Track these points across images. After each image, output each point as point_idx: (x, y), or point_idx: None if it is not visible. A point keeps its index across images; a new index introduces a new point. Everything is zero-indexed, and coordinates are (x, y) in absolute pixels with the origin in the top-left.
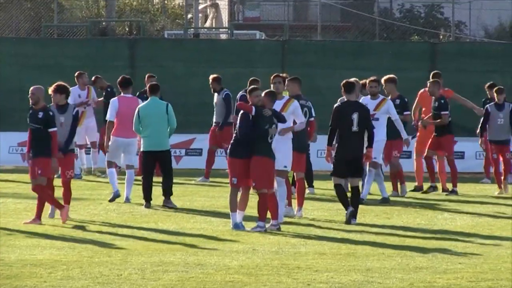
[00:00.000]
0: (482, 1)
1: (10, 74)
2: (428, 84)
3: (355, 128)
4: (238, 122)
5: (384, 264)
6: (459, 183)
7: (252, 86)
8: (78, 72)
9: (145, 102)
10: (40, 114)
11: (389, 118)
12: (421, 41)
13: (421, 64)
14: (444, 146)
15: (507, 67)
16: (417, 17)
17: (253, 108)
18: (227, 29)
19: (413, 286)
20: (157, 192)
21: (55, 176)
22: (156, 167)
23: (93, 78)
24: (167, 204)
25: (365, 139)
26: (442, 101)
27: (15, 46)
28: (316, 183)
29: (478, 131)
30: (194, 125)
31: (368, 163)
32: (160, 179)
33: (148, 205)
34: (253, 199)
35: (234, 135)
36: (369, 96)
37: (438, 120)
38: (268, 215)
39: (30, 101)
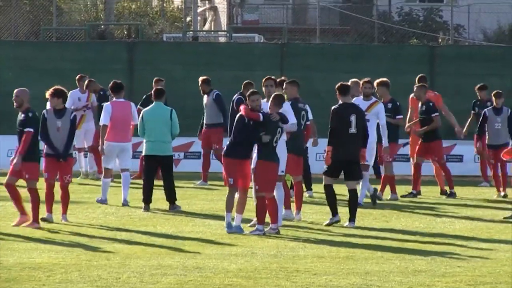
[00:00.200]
0: (481, 5)
1: (9, 77)
2: (415, 88)
3: (353, 130)
4: (234, 125)
5: (383, 267)
6: (458, 186)
7: (252, 90)
8: (79, 75)
9: (150, 106)
10: (22, 116)
11: None
12: (420, 45)
13: (420, 68)
14: (433, 152)
15: (505, 71)
16: (416, 20)
17: (261, 115)
18: (226, 32)
19: None
20: (156, 195)
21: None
22: (157, 171)
23: (86, 82)
24: (173, 208)
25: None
26: (431, 103)
27: (13, 49)
28: (314, 187)
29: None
30: (193, 129)
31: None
32: (160, 182)
33: (147, 207)
34: (251, 202)
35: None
36: (361, 96)
37: (432, 124)
38: (268, 219)
39: (14, 103)
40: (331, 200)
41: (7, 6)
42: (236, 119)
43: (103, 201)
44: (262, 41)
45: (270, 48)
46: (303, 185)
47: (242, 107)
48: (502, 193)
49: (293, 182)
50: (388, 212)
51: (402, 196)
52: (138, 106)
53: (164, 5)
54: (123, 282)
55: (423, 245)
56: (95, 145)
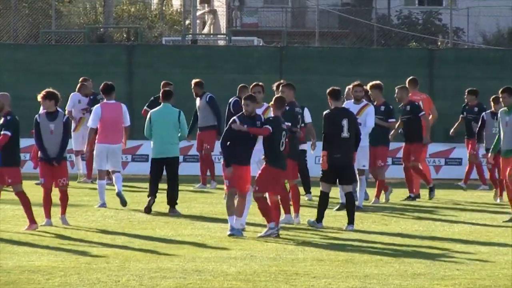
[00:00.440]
0: (480, 8)
1: (8, 80)
2: (396, 90)
3: (345, 134)
4: (225, 132)
5: (382, 270)
6: (457, 189)
7: (249, 94)
8: (82, 78)
9: (158, 107)
10: (2, 120)
11: (374, 125)
12: (419, 48)
13: (419, 71)
14: (413, 153)
15: (505, 74)
16: (415, 23)
17: (269, 128)
18: (225, 36)
19: None
20: (156, 199)
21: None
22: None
23: (78, 85)
24: (173, 212)
25: None
26: (416, 103)
27: (13, 52)
28: (313, 190)
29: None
30: (192, 132)
31: (358, 172)
32: (163, 185)
33: (152, 199)
34: (253, 205)
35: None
36: (352, 100)
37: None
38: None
39: None
40: (321, 207)
41: (6, 9)
42: (227, 126)
43: (103, 205)
44: (261, 44)
45: (269, 51)
46: (303, 188)
47: (250, 129)
48: (498, 200)
49: (289, 186)
50: (387, 216)
51: (402, 201)
52: (145, 108)
53: (163, 8)
54: (123, 285)
55: (422, 249)
56: (91, 149)
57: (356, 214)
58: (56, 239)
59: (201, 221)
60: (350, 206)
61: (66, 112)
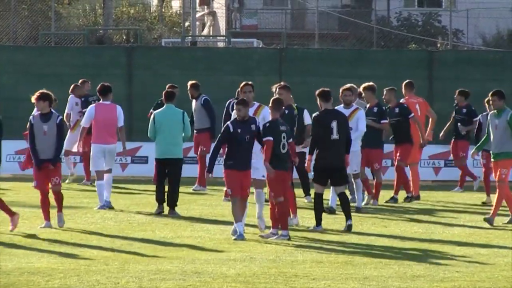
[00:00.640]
0: (479, 9)
1: (7, 82)
2: (385, 91)
3: (335, 136)
4: (220, 135)
5: (382, 272)
6: (455, 192)
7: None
8: (81, 80)
9: (161, 108)
10: None
11: (367, 127)
12: (418, 49)
13: (419, 73)
14: (400, 153)
15: (504, 75)
16: (415, 25)
17: (271, 140)
18: (224, 37)
19: None
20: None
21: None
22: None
23: (72, 86)
24: (172, 214)
25: None
26: (405, 105)
27: (12, 54)
28: (312, 192)
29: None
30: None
31: (352, 176)
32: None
33: (161, 207)
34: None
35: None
36: (342, 105)
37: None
38: (269, 223)
39: None
40: (318, 211)
41: (6, 11)
42: (222, 130)
43: (103, 207)
44: (260, 46)
45: (269, 53)
46: (302, 190)
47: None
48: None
49: None
50: (386, 218)
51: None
52: (151, 111)
53: (163, 10)
54: (122, 287)
55: (421, 250)
56: (87, 150)
57: (356, 216)
58: (55, 241)
59: (201, 223)
60: (344, 205)
61: (65, 114)
